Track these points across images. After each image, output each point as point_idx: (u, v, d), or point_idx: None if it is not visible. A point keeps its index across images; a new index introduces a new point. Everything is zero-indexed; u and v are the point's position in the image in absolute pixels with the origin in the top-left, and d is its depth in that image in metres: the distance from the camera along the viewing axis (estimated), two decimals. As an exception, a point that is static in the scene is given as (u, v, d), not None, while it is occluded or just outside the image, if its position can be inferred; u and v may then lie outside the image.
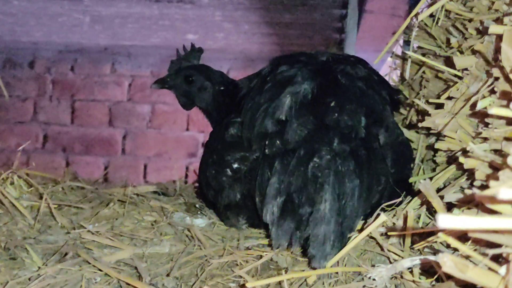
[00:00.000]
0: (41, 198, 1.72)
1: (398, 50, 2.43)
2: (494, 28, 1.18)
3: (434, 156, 1.68)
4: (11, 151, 5.05)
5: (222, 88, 2.07)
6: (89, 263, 1.34)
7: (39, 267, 1.35)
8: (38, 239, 1.53)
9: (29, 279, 1.29)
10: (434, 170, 1.72)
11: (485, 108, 1.21)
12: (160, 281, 1.30)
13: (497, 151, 1.14)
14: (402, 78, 2.23)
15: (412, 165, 1.71)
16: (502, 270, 0.81)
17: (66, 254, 1.40)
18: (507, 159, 0.84)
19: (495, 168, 1.09)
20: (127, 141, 5.04)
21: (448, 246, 1.17)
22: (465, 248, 0.81)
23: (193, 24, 4.13)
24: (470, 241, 1.01)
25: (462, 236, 1.02)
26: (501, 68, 1.14)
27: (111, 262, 1.38)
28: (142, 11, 3.89)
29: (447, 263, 0.77)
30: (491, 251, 0.83)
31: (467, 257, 0.96)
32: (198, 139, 4.97)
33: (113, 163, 5.02)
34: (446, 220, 0.62)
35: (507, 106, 1.10)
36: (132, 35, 4.51)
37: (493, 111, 0.89)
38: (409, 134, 1.87)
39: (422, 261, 1.14)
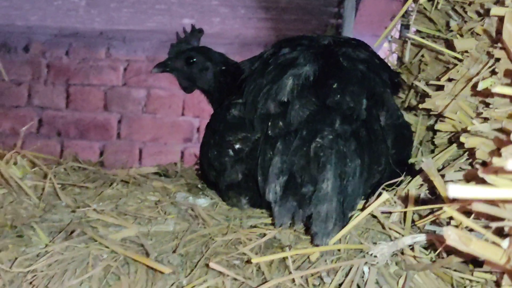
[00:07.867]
0: (44, 178, 1.73)
1: (396, 34, 2.44)
2: (495, 10, 1.20)
3: (432, 138, 1.71)
4: (6, 136, 5.03)
5: (223, 68, 2.08)
6: (96, 241, 1.35)
7: (46, 245, 1.36)
8: (44, 218, 1.54)
9: (37, 255, 1.31)
10: (432, 152, 1.75)
11: (486, 88, 1.23)
12: (165, 258, 1.31)
13: (498, 131, 1.16)
14: (400, 62, 2.25)
15: (411, 146, 1.73)
16: (505, 243, 0.84)
17: (72, 231, 1.41)
18: (511, 136, 0.87)
19: (497, 148, 1.12)
20: (122, 126, 5.03)
21: (448, 223, 1.20)
22: (469, 222, 0.84)
23: (189, 8, 4.10)
24: (472, 216, 1.03)
25: (464, 212, 1.05)
26: (503, 49, 1.16)
27: (117, 240, 1.39)
28: (138, -5, 3.87)
29: (451, 236, 0.80)
30: (494, 224, 0.85)
31: (470, 231, 0.98)
32: (194, 124, 4.97)
33: (108, 148, 5.01)
34: (456, 190, 0.64)
35: (511, 84, 1.12)
36: (128, 19, 4.48)
37: (496, 89, 0.91)
38: (407, 116, 1.89)
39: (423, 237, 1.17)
